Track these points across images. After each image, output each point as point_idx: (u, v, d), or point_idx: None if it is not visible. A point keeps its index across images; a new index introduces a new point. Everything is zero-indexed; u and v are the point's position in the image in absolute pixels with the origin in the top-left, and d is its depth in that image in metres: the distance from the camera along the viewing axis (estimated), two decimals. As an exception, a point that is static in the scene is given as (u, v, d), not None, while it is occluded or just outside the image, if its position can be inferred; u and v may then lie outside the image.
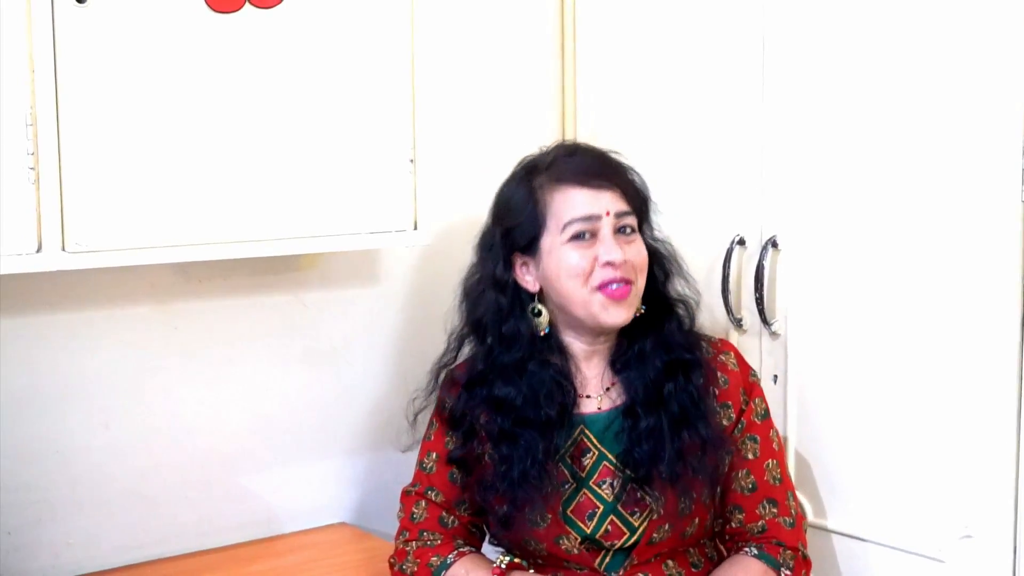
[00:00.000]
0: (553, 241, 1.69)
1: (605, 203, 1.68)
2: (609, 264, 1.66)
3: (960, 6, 1.65)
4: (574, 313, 1.71)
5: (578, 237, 1.68)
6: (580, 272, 1.67)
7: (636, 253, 1.70)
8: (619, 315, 1.68)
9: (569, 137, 2.31)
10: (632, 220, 1.71)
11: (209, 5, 1.69)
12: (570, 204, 1.68)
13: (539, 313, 1.74)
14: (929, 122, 1.71)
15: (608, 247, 1.67)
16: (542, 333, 1.74)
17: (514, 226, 1.73)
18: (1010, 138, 1.62)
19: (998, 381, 1.66)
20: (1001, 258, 1.65)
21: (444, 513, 1.78)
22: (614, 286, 1.67)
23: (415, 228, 1.92)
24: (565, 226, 1.68)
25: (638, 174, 1.77)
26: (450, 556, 1.73)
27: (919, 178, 1.73)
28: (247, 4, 1.72)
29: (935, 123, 1.70)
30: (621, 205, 1.70)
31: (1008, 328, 1.66)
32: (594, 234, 1.68)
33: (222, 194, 1.73)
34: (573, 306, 1.70)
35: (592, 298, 1.68)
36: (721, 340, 1.82)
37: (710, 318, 1.99)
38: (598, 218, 1.68)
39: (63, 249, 1.61)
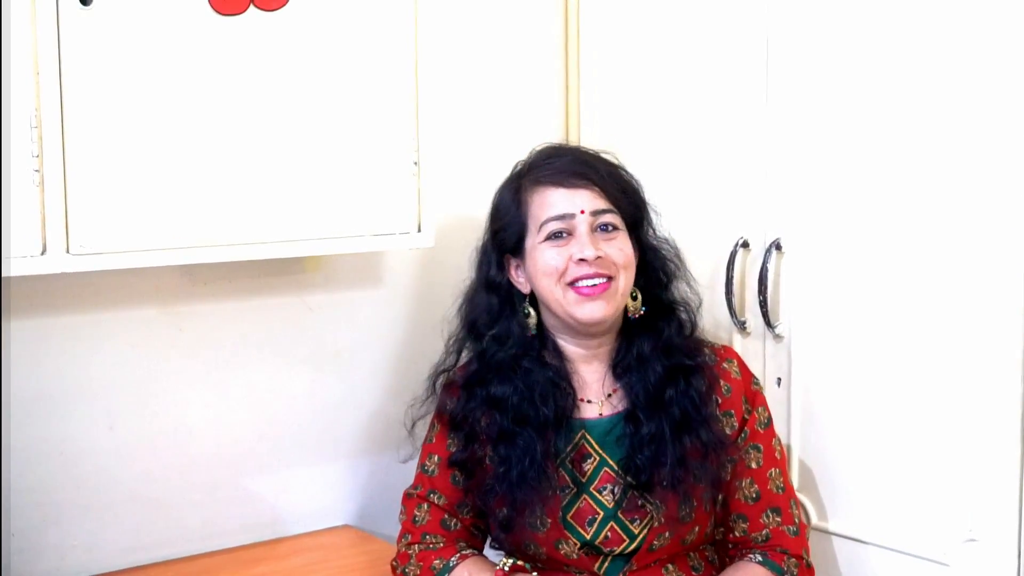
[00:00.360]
0: (533, 241, 1.71)
1: (580, 201, 1.68)
2: (583, 261, 1.66)
3: (965, 10, 1.65)
4: (553, 311, 1.71)
5: (555, 236, 1.69)
6: (555, 270, 1.68)
7: (616, 250, 1.69)
8: (594, 311, 1.68)
9: (573, 139, 2.31)
10: (613, 218, 1.70)
11: (213, 7, 1.69)
12: (546, 204, 1.70)
13: (528, 314, 1.75)
14: (934, 124, 1.70)
15: (581, 244, 1.67)
16: (530, 334, 1.74)
17: (502, 228, 1.75)
18: (1016, 142, 1.62)
19: (1002, 384, 1.66)
20: (1006, 261, 1.64)
21: (446, 516, 1.78)
22: (587, 282, 1.67)
23: (419, 230, 1.92)
24: (542, 226, 1.69)
25: (627, 172, 1.77)
26: (452, 559, 1.73)
27: (924, 180, 1.72)
28: (251, 7, 1.72)
29: (940, 125, 1.70)
30: (599, 203, 1.69)
31: (1012, 331, 1.65)
32: (571, 232, 1.68)
33: (226, 196, 1.73)
34: (551, 304, 1.70)
35: (565, 295, 1.68)
36: (724, 347, 1.82)
37: (713, 321, 1.99)
38: (572, 216, 1.68)
39: (67, 251, 1.61)
